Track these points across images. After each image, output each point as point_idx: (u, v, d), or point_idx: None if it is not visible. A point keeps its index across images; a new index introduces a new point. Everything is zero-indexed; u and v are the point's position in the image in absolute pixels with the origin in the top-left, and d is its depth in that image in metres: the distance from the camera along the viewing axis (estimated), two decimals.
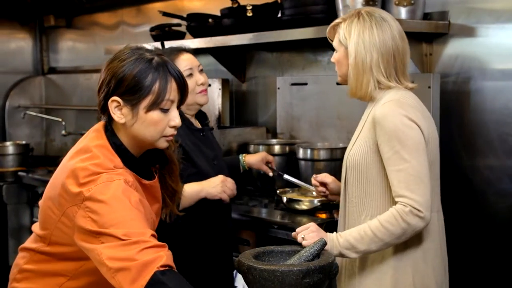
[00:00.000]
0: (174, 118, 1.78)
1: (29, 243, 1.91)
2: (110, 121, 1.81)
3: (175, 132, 1.81)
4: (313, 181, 2.45)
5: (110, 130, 1.80)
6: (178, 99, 1.79)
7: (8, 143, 4.64)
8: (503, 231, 2.81)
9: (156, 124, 1.75)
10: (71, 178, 1.71)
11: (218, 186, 2.49)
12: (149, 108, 1.73)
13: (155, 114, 1.74)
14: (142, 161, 1.85)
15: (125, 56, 1.75)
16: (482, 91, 2.85)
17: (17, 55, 5.68)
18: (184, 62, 2.59)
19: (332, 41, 2.22)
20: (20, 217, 4.23)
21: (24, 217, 4.28)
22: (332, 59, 2.21)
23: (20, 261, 1.91)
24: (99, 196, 1.66)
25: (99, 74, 1.81)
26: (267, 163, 2.87)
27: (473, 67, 2.87)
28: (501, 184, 2.81)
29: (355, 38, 2.08)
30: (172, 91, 1.76)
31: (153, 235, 1.63)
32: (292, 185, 3.01)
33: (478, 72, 2.86)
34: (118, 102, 1.73)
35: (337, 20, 2.19)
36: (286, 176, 2.87)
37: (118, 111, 1.74)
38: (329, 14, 3.00)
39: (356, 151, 2.12)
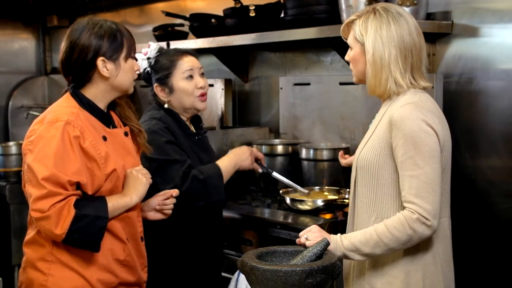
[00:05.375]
0: (137, 63, 2.21)
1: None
2: (77, 87, 2.12)
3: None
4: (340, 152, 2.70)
5: (78, 93, 2.11)
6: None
7: (11, 143, 4.61)
8: (507, 232, 2.80)
9: (132, 69, 2.16)
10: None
11: (248, 158, 2.65)
12: (126, 57, 2.12)
13: (130, 61, 2.15)
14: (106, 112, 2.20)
15: (89, 26, 2.09)
16: (485, 91, 2.84)
17: (20, 55, 5.68)
18: (186, 64, 2.62)
19: (347, 39, 2.16)
20: (23, 217, 4.21)
21: (27, 217, 4.26)
22: (347, 57, 2.15)
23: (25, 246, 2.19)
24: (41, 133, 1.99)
25: None
26: (257, 160, 2.82)
27: (476, 67, 2.87)
28: (505, 184, 2.80)
29: (373, 34, 2.03)
30: (133, 41, 2.16)
31: (69, 181, 1.93)
32: None
33: (481, 72, 2.85)
34: (104, 61, 2.08)
35: (351, 17, 2.12)
36: (275, 174, 2.84)
37: (104, 68, 2.08)
38: (332, 14, 3.00)
39: (368, 151, 2.08)
